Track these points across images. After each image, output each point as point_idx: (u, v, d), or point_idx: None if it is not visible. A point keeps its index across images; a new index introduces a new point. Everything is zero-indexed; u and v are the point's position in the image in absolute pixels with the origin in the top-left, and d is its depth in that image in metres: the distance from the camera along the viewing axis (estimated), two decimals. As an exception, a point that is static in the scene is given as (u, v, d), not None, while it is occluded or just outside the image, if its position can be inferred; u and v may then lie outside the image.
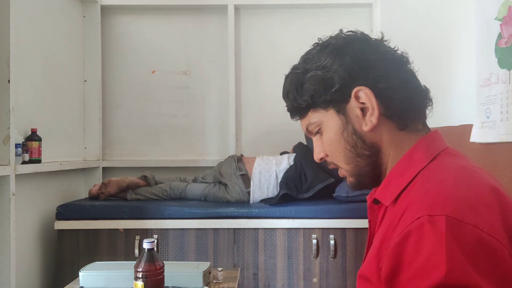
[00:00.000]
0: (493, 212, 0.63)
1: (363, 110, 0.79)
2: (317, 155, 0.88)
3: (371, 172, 0.82)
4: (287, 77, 0.87)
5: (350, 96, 0.79)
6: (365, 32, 0.85)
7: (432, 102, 0.84)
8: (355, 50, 0.80)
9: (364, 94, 0.78)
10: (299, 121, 0.89)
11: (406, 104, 0.79)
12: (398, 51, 0.84)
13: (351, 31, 0.84)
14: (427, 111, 0.84)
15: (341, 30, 0.85)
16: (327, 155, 0.87)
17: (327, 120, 0.82)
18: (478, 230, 0.60)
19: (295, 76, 0.85)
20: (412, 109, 0.80)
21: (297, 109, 0.86)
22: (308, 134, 0.89)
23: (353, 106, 0.79)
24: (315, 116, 0.84)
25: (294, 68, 0.86)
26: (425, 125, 0.83)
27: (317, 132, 0.86)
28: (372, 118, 0.78)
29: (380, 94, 0.78)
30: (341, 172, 0.87)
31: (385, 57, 0.80)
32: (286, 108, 0.89)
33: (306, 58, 0.84)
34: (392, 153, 0.80)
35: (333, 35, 0.84)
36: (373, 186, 0.86)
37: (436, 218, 0.61)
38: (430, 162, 0.74)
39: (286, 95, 0.87)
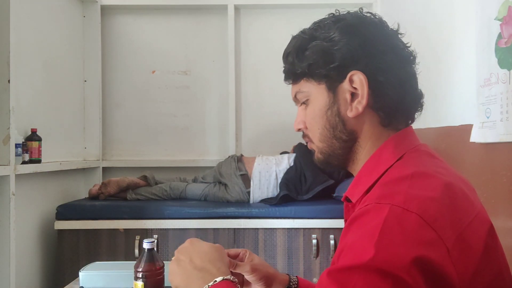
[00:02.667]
0: (442, 208, 0.63)
1: (353, 95, 0.78)
2: (297, 125, 0.87)
3: (342, 156, 0.82)
4: (293, 38, 0.84)
5: (345, 77, 0.77)
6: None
7: (422, 108, 0.84)
8: (367, 33, 0.78)
9: (358, 80, 0.76)
10: (290, 86, 0.87)
11: (397, 103, 0.78)
12: (409, 48, 0.82)
13: (370, 13, 0.82)
14: (416, 115, 0.84)
15: (360, 9, 0.83)
16: (306, 127, 0.85)
17: (316, 93, 0.81)
18: (421, 220, 0.60)
19: (300, 40, 0.82)
20: (401, 109, 0.79)
21: (292, 73, 0.84)
22: (295, 102, 0.88)
23: (345, 88, 0.78)
24: (306, 86, 0.82)
25: (303, 31, 0.83)
26: (407, 125, 0.83)
27: (304, 103, 0.84)
28: (358, 105, 0.77)
29: (374, 86, 0.77)
30: (310, 146, 0.87)
31: (393, 51, 0.79)
32: (282, 69, 0.87)
33: (318, 26, 0.82)
34: (369, 146, 0.80)
35: (352, 11, 0.82)
36: (339, 169, 0.87)
37: (382, 205, 0.63)
38: (397, 160, 0.74)
39: (286, 56, 0.85)
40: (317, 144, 0.84)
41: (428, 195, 0.64)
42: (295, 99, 0.87)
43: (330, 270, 0.63)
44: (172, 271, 0.83)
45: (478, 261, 0.63)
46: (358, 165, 0.82)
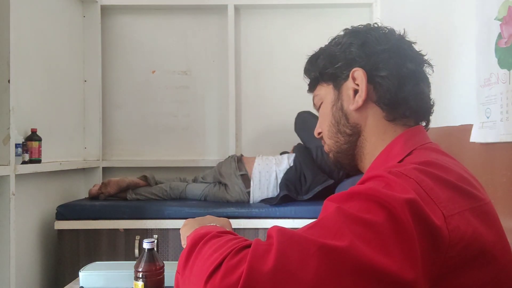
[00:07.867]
0: (445, 186, 0.62)
1: (356, 91, 0.82)
2: (316, 130, 0.92)
3: (349, 151, 0.85)
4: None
5: (349, 76, 0.82)
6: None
7: (432, 107, 0.85)
8: (370, 36, 0.83)
9: (358, 75, 0.81)
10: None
11: (397, 97, 0.79)
12: (419, 52, 0.85)
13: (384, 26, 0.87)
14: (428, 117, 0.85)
15: (375, 23, 0.88)
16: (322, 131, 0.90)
17: (326, 94, 0.87)
18: (417, 185, 0.60)
19: (318, 50, 0.90)
20: (403, 104, 0.80)
21: (310, 82, 0.91)
22: (316, 109, 0.93)
23: (348, 86, 0.83)
24: (319, 89, 0.89)
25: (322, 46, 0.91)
26: (418, 124, 0.83)
27: (319, 107, 0.90)
28: (359, 99, 0.81)
29: (373, 80, 0.80)
30: (325, 148, 0.91)
31: (395, 51, 0.81)
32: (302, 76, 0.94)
33: (333, 38, 0.89)
34: (374, 140, 0.82)
35: (366, 24, 0.88)
36: (351, 169, 0.88)
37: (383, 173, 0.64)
38: (406, 156, 0.74)
39: (304, 67, 0.92)
40: (327, 142, 0.88)
41: (437, 174, 0.64)
42: (314, 105, 0.93)
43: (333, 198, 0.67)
44: (183, 226, 0.86)
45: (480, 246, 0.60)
46: (366, 162, 0.84)
